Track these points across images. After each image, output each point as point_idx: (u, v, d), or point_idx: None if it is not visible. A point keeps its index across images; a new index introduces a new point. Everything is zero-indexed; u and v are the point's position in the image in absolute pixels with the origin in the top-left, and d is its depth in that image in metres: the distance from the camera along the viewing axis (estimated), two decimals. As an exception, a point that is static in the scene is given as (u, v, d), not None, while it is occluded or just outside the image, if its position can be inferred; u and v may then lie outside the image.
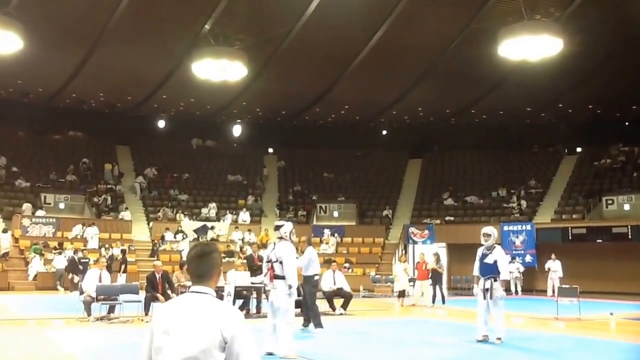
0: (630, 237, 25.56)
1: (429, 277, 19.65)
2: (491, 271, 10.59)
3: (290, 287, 9.04)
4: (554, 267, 24.43)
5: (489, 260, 10.65)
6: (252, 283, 14.86)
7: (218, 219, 31.00)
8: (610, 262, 24.87)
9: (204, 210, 31.46)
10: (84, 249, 24.94)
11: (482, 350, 9.95)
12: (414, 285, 20.71)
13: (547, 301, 19.11)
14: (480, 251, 10.87)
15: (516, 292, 25.76)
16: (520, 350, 10.18)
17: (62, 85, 30.04)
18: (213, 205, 31.75)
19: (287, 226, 9.66)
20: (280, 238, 9.50)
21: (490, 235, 10.79)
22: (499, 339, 10.47)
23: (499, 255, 10.67)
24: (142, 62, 27.00)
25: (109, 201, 30.72)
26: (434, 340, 11.31)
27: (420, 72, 28.42)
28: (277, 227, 9.80)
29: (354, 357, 9.45)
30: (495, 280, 10.52)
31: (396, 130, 36.25)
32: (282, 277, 9.08)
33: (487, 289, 10.52)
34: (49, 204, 29.26)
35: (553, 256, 24.60)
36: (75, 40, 25.32)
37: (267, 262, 9.49)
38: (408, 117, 34.71)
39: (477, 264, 10.91)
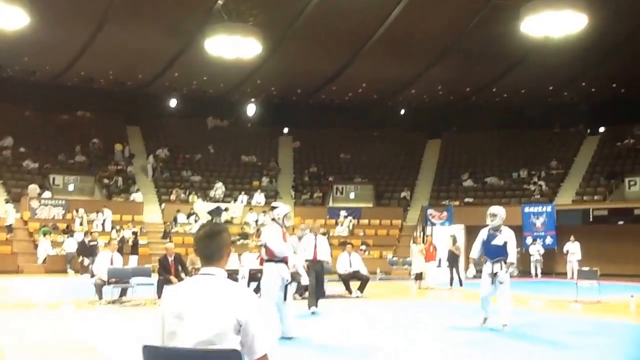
0: (652, 219, 25.14)
1: (437, 259, 20.22)
2: (500, 253, 9.88)
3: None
4: (573, 249, 24.30)
5: (497, 241, 9.91)
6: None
7: (226, 200, 30.52)
8: (631, 244, 24.35)
9: (211, 192, 30.93)
10: (95, 232, 24.59)
11: (498, 333, 9.63)
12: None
13: (567, 284, 19.04)
14: (484, 232, 10.15)
15: (536, 274, 25.49)
16: (537, 333, 9.83)
17: (69, 63, 29.49)
18: (220, 185, 31.20)
19: (282, 209, 9.31)
20: (273, 220, 9.20)
21: (496, 215, 10.03)
22: (505, 325, 9.73)
23: (509, 237, 9.94)
24: (152, 38, 26.41)
25: (120, 182, 30.28)
26: (450, 323, 10.88)
27: (440, 49, 27.81)
28: (272, 208, 9.44)
29: (365, 340, 9.12)
30: (505, 263, 9.82)
31: (415, 110, 35.59)
32: (268, 261, 8.94)
33: (496, 273, 9.81)
34: (58, 185, 28.87)
35: (572, 238, 24.49)
36: (83, 16, 24.79)
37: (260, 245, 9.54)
38: (427, 96, 34.04)
39: (478, 246, 10.20)
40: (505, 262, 9.81)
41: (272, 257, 8.90)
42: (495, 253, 9.88)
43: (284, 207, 9.45)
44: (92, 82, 32.20)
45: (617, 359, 7.76)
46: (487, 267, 9.92)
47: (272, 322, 8.62)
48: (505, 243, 9.84)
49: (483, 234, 10.14)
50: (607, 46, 26.15)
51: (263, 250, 9.25)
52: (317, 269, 12.66)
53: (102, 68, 30.56)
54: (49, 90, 31.07)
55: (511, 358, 7.89)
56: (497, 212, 10.07)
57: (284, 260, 8.90)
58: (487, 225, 10.13)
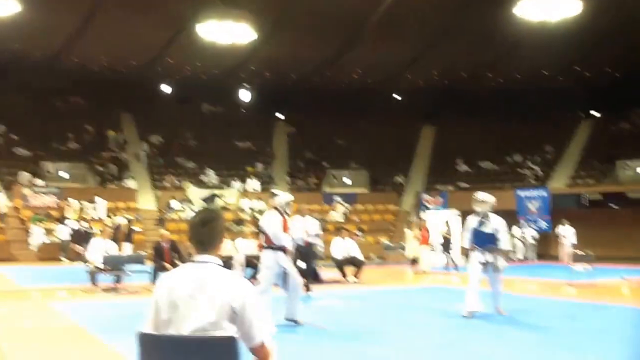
0: (645, 202, 25.32)
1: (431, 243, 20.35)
2: (490, 241, 9.60)
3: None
4: (565, 232, 24.30)
5: (486, 229, 9.64)
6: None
7: (221, 187, 30.44)
8: (626, 227, 24.45)
9: (204, 178, 30.82)
10: (89, 219, 24.52)
11: (491, 317, 9.61)
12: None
13: (561, 267, 19.05)
14: (473, 220, 9.85)
15: (531, 258, 25.52)
16: (531, 317, 9.89)
17: (62, 50, 29.23)
18: (211, 172, 31.10)
19: (282, 197, 9.30)
20: (275, 207, 9.16)
21: (485, 201, 9.76)
22: (500, 309, 9.73)
23: (499, 224, 9.69)
24: (146, 24, 26.14)
25: (114, 169, 30.13)
26: (446, 307, 10.88)
27: (435, 34, 27.65)
28: (273, 195, 9.54)
29: (361, 325, 9.16)
30: (495, 251, 9.57)
31: (410, 95, 35.46)
32: (267, 247, 8.94)
33: (487, 262, 9.55)
34: (51, 172, 28.70)
35: (563, 221, 24.54)
36: (75, 2, 24.56)
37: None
38: (422, 81, 33.93)
39: (467, 234, 9.91)
40: (497, 251, 9.58)
41: (270, 245, 8.89)
42: (486, 240, 9.63)
43: (285, 195, 9.44)
44: (84, 68, 31.93)
45: (611, 341, 7.76)
46: (478, 256, 9.63)
47: (266, 310, 8.59)
48: (496, 230, 9.62)
49: (472, 222, 9.86)
50: (602, 31, 25.99)
51: (262, 237, 9.24)
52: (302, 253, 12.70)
53: (94, 54, 30.28)
54: (41, 77, 30.73)
55: (506, 341, 7.92)
56: (486, 198, 9.80)
57: (282, 248, 8.86)
58: (476, 213, 9.88)
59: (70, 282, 14.76)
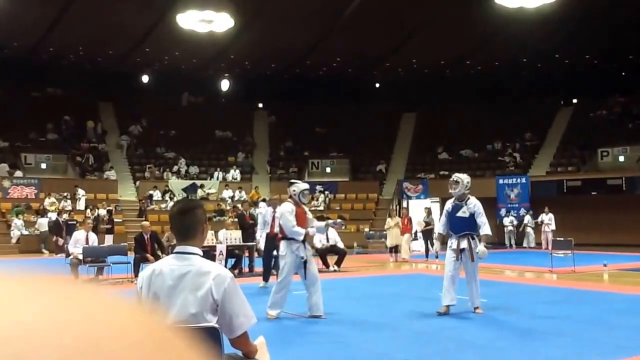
0: (624, 189, 25.88)
1: (413, 231, 20.42)
2: (467, 227, 8.72)
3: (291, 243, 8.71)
4: (547, 220, 24.54)
5: (462, 213, 8.75)
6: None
7: (202, 177, 30.31)
8: (605, 214, 24.74)
9: (175, 168, 30.71)
10: (70, 211, 24.31)
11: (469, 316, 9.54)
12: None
13: (542, 254, 19.25)
14: (449, 204, 9.06)
15: (510, 245, 25.78)
16: (512, 303, 9.91)
17: (39, 39, 28.84)
18: (183, 161, 30.98)
19: (298, 186, 9.14)
20: (290, 197, 9.06)
21: (458, 182, 8.87)
22: (477, 308, 8.78)
23: (476, 207, 8.75)
24: (123, 13, 25.85)
25: (92, 160, 29.88)
26: (426, 294, 10.86)
27: (415, 22, 27.62)
28: (290, 184, 9.36)
29: (343, 313, 9.09)
30: (473, 238, 8.71)
31: (390, 83, 35.45)
32: (283, 238, 8.87)
33: (463, 249, 8.65)
34: (30, 164, 28.43)
35: (546, 209, 24.75)
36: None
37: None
38: (402, 69, 33.94)
39: (444, 219, 9.13)
40: (473, 237, 8.74)
41: (284, 236, 8.82)
42: (461, 227, 8.77)
43: (300, 184, 9.28)
44: (62, 58, 31.60)
45: (592, 327, 7.85)
46: (452, 243, 8.83)
47: (281, 302, 8.59)
48: (472, 215, 8.71)
49: (447, 206, 9.12)
50: (581, 18, 26.08)
51: (278, 227, 9.16)
52: (271, 244, 12.37)
53: (72, 44, 29.95)
54: (18, 68, 30.37)
55: (486, 328, 7.94)
56: (459, 178, 8.94)
57: (304, 237, 8.69)
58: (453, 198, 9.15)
59: (52, 274, 14.61)
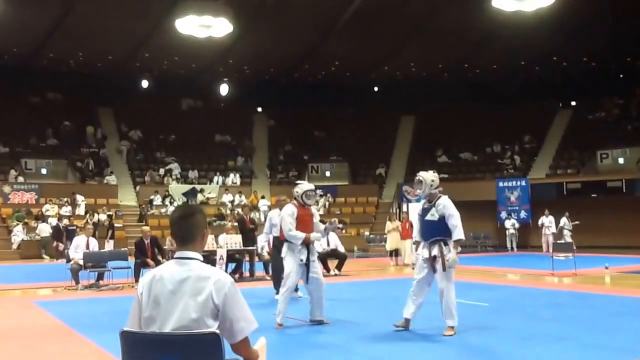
0: (624, 190, 25.98)
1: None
2: (437, 231, 7.54)
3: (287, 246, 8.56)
4: (548, 222, 24.54)
5: (431, 216, 7.57)
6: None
7: (201, 182, 30.30)
8: (605, 216, 24.78)
9: (176, 172, 30.73)
10: (70, 216, 24.33)
11: (480, 308, 9.60)
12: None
13: (542, 257, 19.23)
14: (419, 206, 7.98)
15: (512, 248, 25.80)
16: (514, 306, 9.94)
17: (38, 45, 28.94)
18: (175, 165, 30.98)
19: (301, 186, 8.82)
20: (294, 199, 8.82)
21: (421, 181, 7.70)
22: (452, 328, 7.50)
23: (446, 208, 7.50)
24: (122, 18, 25.97)
25: (92, 165, 29.90)
26: (427, 299, 10.75)
27: (412, 26, 27.69)
28: (295, 186, 9.03)
29: (345, 319, 9.02)
30: (446, 244, 7.51)
31: (388, 87, 35.49)
32: (285, 241, 8.64)
33: (435, 257, 7.50)
34: (30, 169, 28.47)
35: (546, 212, 24.82)
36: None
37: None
38: (400, 73, 33.98)
39: (416, 224, 8.12)
40: (446, 243, 7.52)
41: (285, 239, 8.66)
42: (431, 231, 7.64)
43: (303, 185, 8.90)
44: (62, 64, 31.66)
45: (594, 330, 7.83)
46: (423, 251, 7.69)
47: (284, 305, 8.33)
48: (443, 217, 7.51)
49: (418, 208, 8.05)
50: (578, 20, 26.16)
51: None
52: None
53: (71, 49, 30.01)
54: (18, 73, 30.47)
55: (487, 332, 7.86)
56: (422, 177, 7.74)
57: (304, 241, 8.43)
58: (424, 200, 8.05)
59: (52, 279, 14.65)
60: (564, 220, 24.25)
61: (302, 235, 8.37)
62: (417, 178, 7.87)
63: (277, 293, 10.45)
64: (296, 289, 11.48)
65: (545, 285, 13.48)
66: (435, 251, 7.51)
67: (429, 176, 7.70)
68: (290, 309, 8.66)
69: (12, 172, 27.24)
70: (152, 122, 33.62)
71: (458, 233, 7.46)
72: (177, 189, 29.07)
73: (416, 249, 8.22)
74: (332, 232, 17.20)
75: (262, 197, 29.22)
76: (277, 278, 10.64)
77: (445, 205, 7.53)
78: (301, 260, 8.36)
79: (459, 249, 7.67)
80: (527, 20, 24.08)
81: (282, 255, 8.62)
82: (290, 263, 8.42)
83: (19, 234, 23.87)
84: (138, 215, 27.23)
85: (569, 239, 23.59)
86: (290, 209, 8.58)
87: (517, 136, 31.96)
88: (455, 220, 7.47)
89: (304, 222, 8.51)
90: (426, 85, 33.88)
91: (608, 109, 31.53)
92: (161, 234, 21.03)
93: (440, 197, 7.67)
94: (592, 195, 26.22)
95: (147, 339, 2.85)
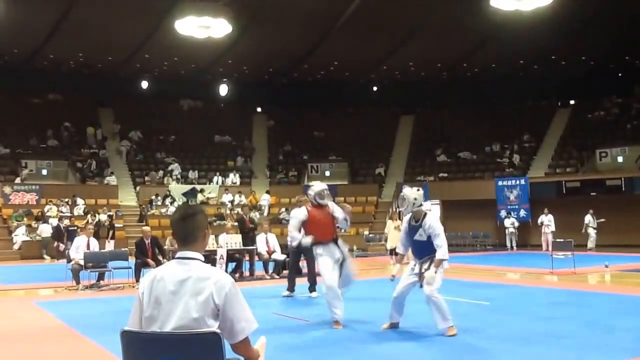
0: (623, 189, 25.90)
1: None
2: (427, 250, 7.61)
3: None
4: (547, 221, 24.54)
5: (419, 236, 7.62)
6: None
7: (201, 182, 30.32)
8: (605, 214, 24.70)
9: (176, 172, 30.75)
10: (71, 216, 24.37)
11: (482, 307, 9.64)
12: None
13: (542, 256, 19.25)
14: (406, 221, 7.91)
15: (512, 247, 25.83)
16: (513, 305, 9.96)
17: (39, 46, 28.98)
18: (176, 165, 31.01)
19: (313, 187, 8.78)
20: (309, 201, 8.87)
21: (404, 199, 7.66)
22: (451, 327, 7.45)
23: (432, 228, 7.52)
24: (122, 19, 26.00)
25: (94, 166, 29.95)
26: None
27: (411, 26, 27.72)
28: (308, 188, 9.07)
29: (351, 318, 8.88)
30: (429, 261, 7.58)
31: (387, 87, 35.53)
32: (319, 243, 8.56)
33: (422, 273, 7.60)
34: (31, 170, 28.50)
35: (546, 210, 24.89)
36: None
37: None
38: (399, 72, 34.01)
39: (402, 236, 8.00)
40: (430, 261, 7.58)
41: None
42: (420, 251, 7.73)
43: (315, 186, 8.83)
44: (62, 65, 31.70)
45: (593, 329, 7.84)
46: (415, 266, 7.81)
47: (338, 303, 8.18)
48: (430, 236, 7.55)
49: (404, 224, 7.96)
50: (577, 20, 26.18)
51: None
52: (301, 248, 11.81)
53: (71, 50, 30.08)
54: (18, 74, 30.53)
55: (487, 329, 7.90)
56: (405, 195, 7.68)
57: (333, 240, 8.42)
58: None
59: (53, 280, 14.69)
60: (588, 218, 24.07)
61: (298, 237, 8.55)
62: (400, 194, 7.87)
63: (313, 291, 11.39)
64: (313, 289, 11.63)
65: (545, 284, 13.50)
66: (425, 268, 7.59)
67: (412, 194, 7.61)
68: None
69: (18, 180, 27.34)
70: (152, 123, 33.65)
71: (441, 253, 7.48)
72: (177, 189, 29.10)
73: (399, 263, 8.30)
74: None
75: (267, 192, 29.64)
76: (292, 276, 11.85)
77: (431, 225, 7.54)
78: (337, 259, 8.35)
79: (443, 268, 7.64)
80: (525, 19, 24.11)
81: (318, 252, 8.46)
82: (324, 260, 8.38)
83: (20, 234, 23.90)
84: (138, 215, 27.26)
85: (593, 236, 23.87)
86: (302, 213, 8.71)
87: (516, 135, 31.97)
88: (440, 241, 7.51)
89: (315, 222, 8.54)
90: (425, 84, 33.95)
91: (607, 108, 31.54)
92: (161, 234, 21.06)
93: (426, 214, 7.65)
94: (592, 193, 26.23)
95: (147, 339, 2.87)
